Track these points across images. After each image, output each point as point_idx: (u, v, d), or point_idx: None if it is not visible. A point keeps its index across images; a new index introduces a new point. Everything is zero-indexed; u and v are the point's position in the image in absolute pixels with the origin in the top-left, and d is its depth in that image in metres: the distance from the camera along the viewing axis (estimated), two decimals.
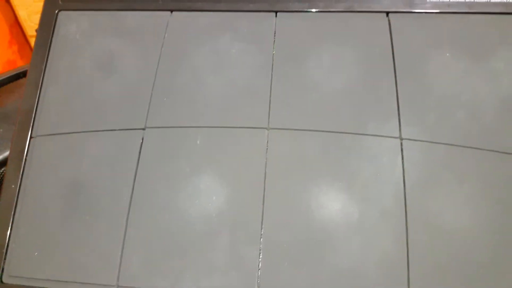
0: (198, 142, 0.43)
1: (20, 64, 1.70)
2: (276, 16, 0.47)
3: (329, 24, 0.46)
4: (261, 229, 0.40)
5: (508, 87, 0.43)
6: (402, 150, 0.42)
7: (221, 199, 0.41)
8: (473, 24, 0.45)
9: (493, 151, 0.41)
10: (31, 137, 0.45)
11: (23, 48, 1.71)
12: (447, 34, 0.45)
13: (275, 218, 0.40)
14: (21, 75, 0.90)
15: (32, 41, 1.67)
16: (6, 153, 0.66)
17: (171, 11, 0.49)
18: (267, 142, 0.43)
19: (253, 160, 0.42)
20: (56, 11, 0.50)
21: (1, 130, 0.78)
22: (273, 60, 0.46)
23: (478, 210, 0.40)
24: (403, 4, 0.46)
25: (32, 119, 0.46)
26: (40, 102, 0.47)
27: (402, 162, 0.41)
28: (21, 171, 0.44)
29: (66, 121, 0.46)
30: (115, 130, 0.45)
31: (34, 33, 1.64)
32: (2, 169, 0.69)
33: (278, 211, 0.40)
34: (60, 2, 0.50)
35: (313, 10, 0.47)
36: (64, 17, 0.50)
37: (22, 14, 1.62)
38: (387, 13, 0.46)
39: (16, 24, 1.67)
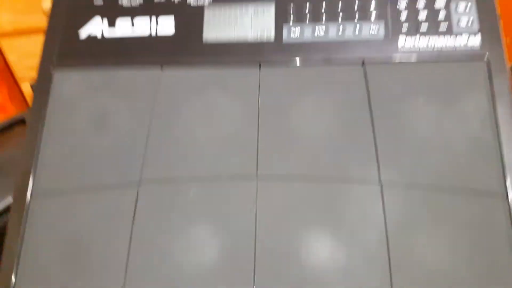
0: (191, 194, 0.46)
1: (10, 108, 1.71)
2: (260, 67, 0.50)
3: (308, 75, 0.50)
4: (254, 279, 0.42)
5: (477, 129, 0.46)
6: (382, 194, 0.44)
7: (214, 251, 0.43)
8: (442, 70, 0.49)
9: (467, 191, 0.44)
10: (30, 198, 0.47)
11: (13, 92, 1.72)
12: (419, 81, 0.48)
13: (267, 268, 0.42)
14: (14, 124, 0.92)
15: (22, 85, 1.69)
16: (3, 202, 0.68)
17: (161, 65, 0.51)
18: (257, 189, 0.45)
19: (244, 210, 0.45)
20: (52, 70, 0.52)
21: None
22: (258, 111, 0.49)
23: (457, 250, 0.42)
24: (376, 53, 0.50)
25: (31, 180, 0.48)
26: (38, 162, 0.49)
27: (383, 207, 0.44)
28: (22, 232, 0.46)
29: (63, 181, 0.48)
30: (110, 186, 0.47)
31: (24, 76, 1.66)
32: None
33: (269, 261, 0.43)
34: (55, 62, 0.53)
35: (293, 62, 0.50)
36: (60, 76, 0.52)
37: (12, 58, 1.64)
38: (362, 62, 0.49)
39: (6, 68, 1.70)
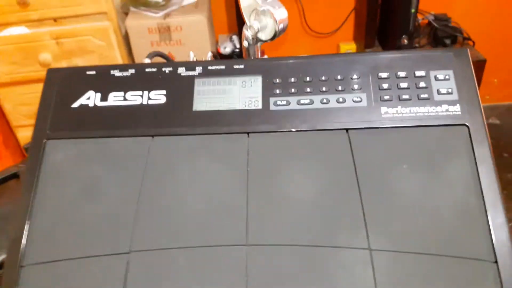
0: (180, 263, 0.46)
1: (5, 154, 1.72)
2: (248, 137, 0.52)
3: (295, 142, 0.51)
4: None
5: (461, 194, 0.47)
6: (372, 261, 0.45)
7: None
8: (424, 136, 0.50)
9: (455, 257, 0.45)
10: (20, 266, 0.48)
11: (8, 139, 1.74)
12: (402, 146, 0.50)
13: None
14: (8, 178, 0.92)
15: (17, 132, 1.71)
16: None
17: (152, 136, 0.53)
18: (247, 258, 0.46)
19: (234, 279, 0.45)
20: (44, 140, 0.54)
21: None
22: (247, 178, 0.50)
23: None
24: (360, 121, 0.51)
25: (21, 249, 0.48)
26: (29, 231, 0.49)
27: (373, 273, 0.44)
28: None
29: (54, 249, 0.48)
30: (100, 257, 0.47)
31: (19, 124, 1.68)
32: None
33: None
34: (48, 132, 0.54)
35: (280, 130, 0.52)
36: (52, 145, 0.53)
37: (7, 106, 1.67)
38: (347, 130, 0.51)
39: (1, 116, 1.72)
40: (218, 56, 1.62)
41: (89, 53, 1.55)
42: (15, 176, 0.93)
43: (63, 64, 1.55)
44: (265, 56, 0.61)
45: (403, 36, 1.52)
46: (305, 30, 1.84)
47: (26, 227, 0.49)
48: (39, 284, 0.47)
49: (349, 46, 1.85)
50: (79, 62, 1.56)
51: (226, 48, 1.69)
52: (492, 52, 1.66)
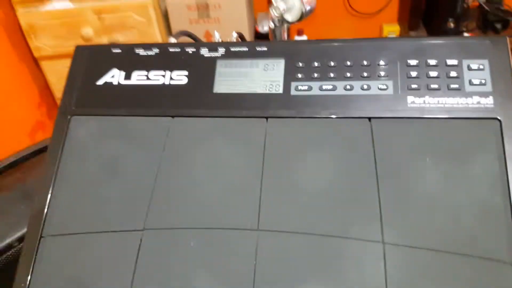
0: (192, 244, 0.47)
1: (49, 125, 1.79)
2: (267, 121, 0.51)
3: (314, 129, 0.50)
4: None
5: (486, 192, 0.45)
6: (384, 254, 0.44)
7: None
8: (452, 129, 0.48)
9: (472, 256, 0.43)
10: (41, 237, 0.50)
11: (51, 111, 1.81)
12: (427, 138, 0.48)
13: None
14: (44, 149, 0.96)
15: None
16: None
17: (173, 116, 0.53)
18: (257, 244, 0.46)
19: (243, 263, 0.45)
20: (69, 116, 0.55)
21: (22, 206, 0.83)
22: (263, 164, 0.49)
23: None
24: (384, 110, 0.49)
25: (43, 220, 0.50)
26: (50, 204, 0.51)
27: (385, 267, 0.43)
28: (31, 269, 0.48)
29: (73, 222, 0.50)
30: (115, 231, 0.48)
31: None
32: (21, 244, 0.73)
33: None
34: (73, 108, 0.55)
35: (300, 116, 0.50)
36: (76, 122, 0.55)
37: (51, 78, 1.73)
38: (369, 118, 0.49)
39: (46, 88, 1.78)
40: (248, 34, 1.60)
41: (129, 29, 1.57)
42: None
43: (104, 39, 1.59)
44: (304, 37, 0.59)
45: (450, 19, 1.44)
46: (347, 10, 1.79)
47: (49, 200, 0.51)
48: (56, 254, 0.49)
49: (392, 28, 1.78)
50: (120, 37, 1.59)
51: (265, 27, 1.67)
52: None
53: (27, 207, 0.75)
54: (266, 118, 0.51)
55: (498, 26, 1.49)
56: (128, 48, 0.57)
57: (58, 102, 1.78)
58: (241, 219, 0.47)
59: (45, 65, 1.68)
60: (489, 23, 1.50)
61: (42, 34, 1.58)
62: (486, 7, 1.52)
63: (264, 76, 0.53)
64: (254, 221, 0.47)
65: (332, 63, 0.52)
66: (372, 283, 0.43)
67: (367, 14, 1.78)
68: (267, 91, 0.52)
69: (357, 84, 0.51)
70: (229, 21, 1.57)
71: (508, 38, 0.51)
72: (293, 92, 0.51)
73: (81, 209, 0.50)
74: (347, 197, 0.46)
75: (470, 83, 0.48)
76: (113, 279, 0.47)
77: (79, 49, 0.59)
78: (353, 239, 0.45)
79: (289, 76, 0.52)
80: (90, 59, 0.57)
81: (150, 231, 0.48)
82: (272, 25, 0.59)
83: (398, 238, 0.44)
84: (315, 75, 0.52)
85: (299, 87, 0.51)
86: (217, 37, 0.64)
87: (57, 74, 1.70)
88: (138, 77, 0.55)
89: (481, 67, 0.49)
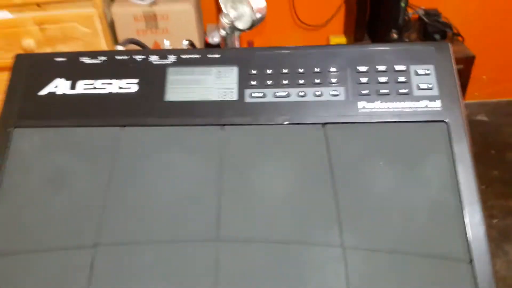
0: (148, 258, 0.45)
1: None
2: (222, 129, 0.50)
3: (270, 136, 0.50)
4: None
5: (438, 192, 0.46)
6: (345, 258, 0.44)
7: None
8: (402, 132, 0.49)
9: (429, 256, 0.44)
10: None
11: None
12: (379, 142, 0.49)
13: None
14: None
15: None
16: None
17: (123, 126, 0.51)
18: (217, 255, 0.44)
19: (203, 276, 0.44)
20: (11, 129, 0.52)
21: None
22: (220, 171, 0.48)
23: None
24: (337, 115, 0.50)
25: None
26: None
27: (346, 271, 0.43)
28: None
29: (16, 240, 0.46)
30: (64, 249, 0.45)
31: None
32: None
33: None
34: (15, 119, 0.52)
35: (256, 123, 0.50)
36: (19, 134, 0.51)
37: None
38: (323, 124, 0.50)
39: None
40: (198, 45, 1.59)
41: (74, 40, 1.51)
42: None
43: (47, 51, 1.52)
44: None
45: (393, 30, 1.51)
46: (295, 22, 1.82)
47: None
48: None
49: (339, 39, 1.83)
50: (64, 49, 1.53)
51: (214, 38, 1.67)
52: (481, 48, 1.65)
53: None
54: (222, 125, 0.50)
55: (437, 36, 1.57)
56: (73, 56, 0.55)
57: None
58: (200, 230, 0.46)
59: None
60: (429, 34, 1.58)
61: None
62: (426, 19, 1.60)
63: (217, 84, 0.52)
64: (214, 231, 0.45)
65: (285, 70, 0.52)
66: (334, 287, 0.43)
67: (314, 26, 1.82)
68: (222, 99, 0.51)
69: (310, 90, 0.51)
70: (178, 32, 1.55)
71: (450, 45, 0.53)
72: (247, 99, 0.51)
73: (26, 225, 0.47)
74: (305, 203, 0.46)
75: (418, 87, 0.50)
76: None
77: (19, 57, 0.55)
78: (313, 244, 0.45)
79: (243, 83, 0.52)
80: (32, 68, 0.54)
81: (102, 247, 0.45)
82: (223, 32, 0.59)
83: (357, 242, 0.44)
84: (269, 82, 0.51)
85: (253, 94, 0.51)
86: (167, 45, 0.62)
87: None
88: (85, 86, 0.53)
89: (428, 72, 0.51)
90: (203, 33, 1.75)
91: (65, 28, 1.49)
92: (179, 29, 1.55)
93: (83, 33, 1.50)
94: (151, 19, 1.53)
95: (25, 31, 1.48)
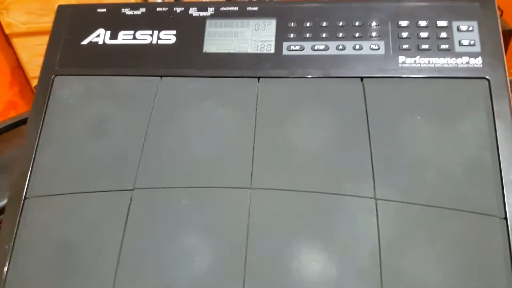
0: (183, 202, 0.46)
1: (21, 105, 1.74)
2: (258, 81, 0.50)
3: (307, 89, 0.50)
4: None
5: (475, 149, 0.46)
6: (377, 210, 0.44)
7: (204, 260, 0.43)
8: (442, 88, 0.48)
9: (463, 211, 0.43)
10: (25, 198, 0.48)
11: (24, 90, 1.75)
12: (418, 97, 0.48)
13: (257, 280, 0.42)
14: (20, 123, 0.93)
15: (34, 83, 1.72)
16: (4, 202, 0.69)
17: (161, 76, 0.52)
18: (250, 202, 0.45)
19: (236, 221, 0.45)
20: (53, 76, 0.53)
21: None
22: (255, 123, 0.49)
23: (450, 270, 0.42)
24: (376, 69, 0.49)
25: (27, 181, 0.48)
26: (34, 164, 0.49)
27: (377, 222, 0.43)
28: (15, 232, 0.46)
29: (58, 183, 0.48)
30: (104, 191, 0.47)
31: (36, 75, 1.68)
32: (1, 216, 0.71)
33: (259, 271, 0.42)
34: (56, 67, 0.53)
35: (292, 76, 0.50)
36: (60, 81, 0.53)
37: (23, 56, 1.67)
38: (362, 78, 0.49)
39: (18, 66, 1.72)
40: None
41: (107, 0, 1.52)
42: (25, 122, 0.94)
43: None
44: None
45: None
46: None
47: (32, 161, 0.49)
48: (41, 216, 0.47)
49: None
50: None
51: None
52: None
53: (4, 180, 0.73)
54: (258, 78, 0.51)
55: None
56: (114, 8, 0.55)
57: (31, 81, 1.72)
58: (234, 177, 0.46)
59: (17, 43, 1.62)
60: None
61: (14, 10, 1.52)
62: None
63: (255, 36, 0.52)
64: (247, 179, 0.46)
65: (324, 23, 0.51)
66: (364, 238, 0.43)
67: None
68: (259, 51, 0.51)
69: (349, 44, 0.50)
70: None
71: (495, 1, 0.51)
72: (285, 52, 0.51)
73: (67, 169, 0.49)
74: (340, 155, 0.46)
75: (460, 43, 0.49)
76: (101, 240, 0.45)
77: (61, 8, 0.56)
78: (345, 195, 0.45)
79: (281, 35, 0.52)
80: (74, 19, 0.55)
81: (140, 191, 0.47)
82: None
83: (390, 194, 0.44)
84: (307, 35, 0.51)
85: (291, 47, 0.51)
86: None
87: (29, 52, 1.64)
88: (125, 37, 0.54)
89: (471, 28, 0.49)
90: None
91: None
92: None
93: None
94: None
95: None
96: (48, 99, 0.52)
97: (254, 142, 0.48)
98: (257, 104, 0.49)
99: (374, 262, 0.42)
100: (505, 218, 0.43)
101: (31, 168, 0.49)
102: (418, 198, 0.44)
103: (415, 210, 0.44)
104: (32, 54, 1.62)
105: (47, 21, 1.53)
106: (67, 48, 0.54)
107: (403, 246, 0.43)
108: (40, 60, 0.54)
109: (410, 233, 0.43)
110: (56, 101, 0.52)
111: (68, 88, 0.52)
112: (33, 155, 0.50)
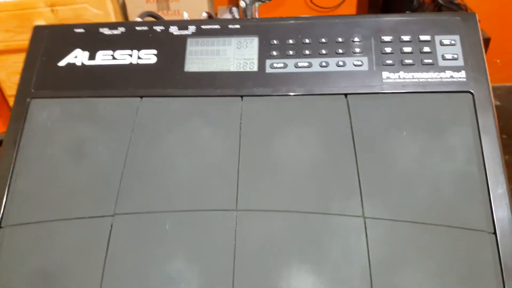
0: (167, 227, 0.44)
1: None
2: (242, 100, 0.49)
3: (291, 107, 0.49)
4: None
5: (462, 164, 0.45)
6: (366, 229, 0.43)
7: (190, 287, 0.42)
8: (426, 103, 0.48)
9: (452, 227, 0.43)
10: (0, 228, 0.46)
11: (1, 108, 1.71)
12: (402, 113, 0.48)
13: None
14: None
15: (11, 101, 1.68)
16: None
17: (141, 97, 0.50)
18: (236, 224, 0.44)
19: (222, 244, 0.43)
20: (28, 99, 0.51)
21: None
22: (239, 143, 0.47)
23: (441, 286, 0.41)
24: (360, 86, 0.49)
25: (2, 209, 0.46)
26: (10, 191, 0.47)
27: (367, 241, 0.43)
28: None
29: (35, 210, 0.46)
30: (84, 217, 0.45)
31: (13, 93, 1.65)
32: None
33: None
34: (32, 90, 0.52)
35: (276, 94, 0.49)
36: (36, 104, 0.51)
37: (1, 75, 1.63)
38: (346, 94, 0.49)
39: None
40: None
41: (85, 22, 1.51)
42: (0, 143, 0.91)
43: None
44: None
45: (407, 12, 1.48)
46: (307, 4, 1.80)
47: (7, 188, 0.47)
48: (18, 245, 0.45)
49: None
50: None
51: None
52: (496, 31, 1.62)
53: None
54: (241, 96, 0.50)
55: None
56: (92, 27, 0.54)
57: (9, 99, 1.69)
58: (219, 200, 0.45)
59: None
60: None
61: None
62: (440, 1, 1.57)
63: (237, 54, 0.51)
64: (232, 201, 0.45)
65: (307, 40, 0.51)
66: (354, 257, 0.42)
67: (326, 8, 1.80)
68: (241, 69, 0.50)
69: (332, 60, 0.50)
70: (189, 14, 1.54)
71: (476, 15, 0.52)
72: (268, 70, 0.50)
73: (44, 196, 0.47)
74: (326, 173, 0.46)
75: (443, 58, 0.49)
76: (82, 269, 0.43)
77: (38, 28, 0.55)
78: (334, 214, 0.44)
79: (264, 53, 0.51)
80: (51, 39, 0.54)
81: (121, 216, 0.45)
82: (243, 4, 0.57)
83: (378, 212, 0.44)
84: (290, 52, 0.51)
85: (274, 65, 0.50)
86: (185, 17, 0.62)
87: (7, 70, 1.61)
88: (103, 57, 0.52)
89: (453, 42, 0.49)
90: (215, 15, 1.74)
91: (76, 10, 1.48)
92: (190, 10, 1.53)
93: (95, 14, 1.49)
94: (163, 1, 1.51)
95: (37, 13, 1.48)
96: (24, 123, 0.50)
97: (238, 162, 0.47)
98: (241, 123, 0.48)
99: (365, 282, 0.41)
100: (494, 232, 0.42)
101: (6, 195, 0.47)
102: (406, 215, 0.43)
103: (404, 227, 0.43)
104: (10, 72, 1.59)
105: (25, 39, 1.51)
106: (44, 69, 0.52)
107: (394, 264, 0.42)
108: (18, 78, 0.52)
109: (400, 250, 0.42)
110: (33, 124, 0.50)
111: (44, 111, 0.51)
112: (8, 181, 0.48)
